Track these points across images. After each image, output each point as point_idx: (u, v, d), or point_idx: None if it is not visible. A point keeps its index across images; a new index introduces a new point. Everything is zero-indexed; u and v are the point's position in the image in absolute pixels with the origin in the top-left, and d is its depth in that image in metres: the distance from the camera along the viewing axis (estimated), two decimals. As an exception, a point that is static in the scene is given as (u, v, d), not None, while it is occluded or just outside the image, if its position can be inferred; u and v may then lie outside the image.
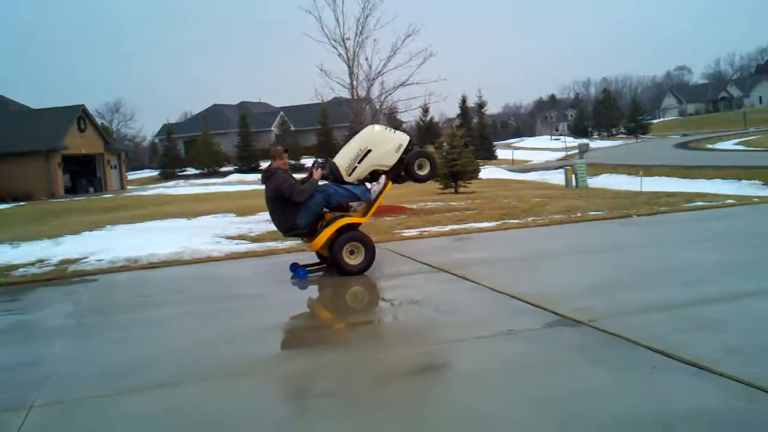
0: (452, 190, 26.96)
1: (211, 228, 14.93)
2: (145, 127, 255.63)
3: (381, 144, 8.79)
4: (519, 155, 67.75)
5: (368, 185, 9.01)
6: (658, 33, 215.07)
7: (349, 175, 8.68)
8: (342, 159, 8.77)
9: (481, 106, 75.92)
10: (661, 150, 54.35)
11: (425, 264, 9.06)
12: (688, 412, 3.72)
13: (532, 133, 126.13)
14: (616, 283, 7.12)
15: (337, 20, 17.30)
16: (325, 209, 8.75)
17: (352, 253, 8.58)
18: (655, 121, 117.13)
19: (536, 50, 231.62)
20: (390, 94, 18.31)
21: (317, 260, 9.33)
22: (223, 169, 66.34)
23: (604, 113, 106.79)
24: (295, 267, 8.97)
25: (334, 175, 8.74)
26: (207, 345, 5.90)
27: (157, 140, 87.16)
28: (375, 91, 18.25)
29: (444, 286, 7.73)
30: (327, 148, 66.69)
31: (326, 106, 39.71)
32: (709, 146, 58.01)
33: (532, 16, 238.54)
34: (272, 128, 74.72)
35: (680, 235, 10.59)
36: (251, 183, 46.08)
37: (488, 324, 5.83)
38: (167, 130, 72.73)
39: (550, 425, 3.72)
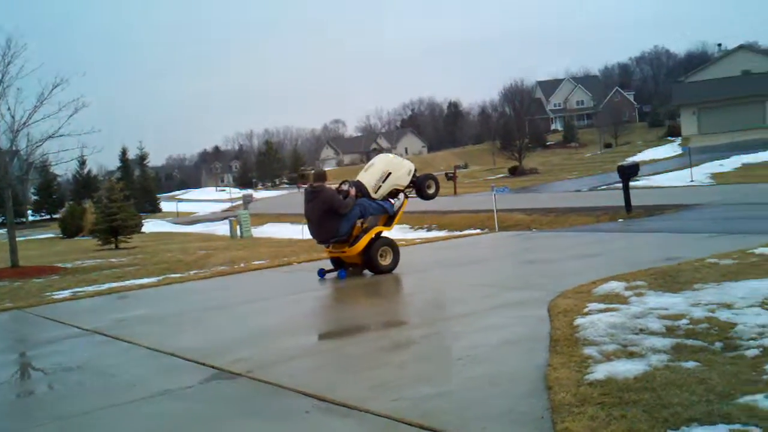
0: (112, 245, 25.64)
1: None
2: None
3: (398, 168, 10.86)
4: (184, 207, 66.64)
5: (391, 200, 10.90)
6: (316, 87, 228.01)
7: (375, 192, 10.54)
8: (367, 180, 10.62)
9: (143, 158, 74.16)
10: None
11: (77, 327, 8.48)
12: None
13: (197, 185, 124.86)
14: (271, 331, 7.30)
15: (-28, 67, 15.68)
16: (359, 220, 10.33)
17: (381, 255, 10.29)
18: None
19: (199, 101, 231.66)
20: (39, 146, 17.06)
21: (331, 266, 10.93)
22: None
23: (268, 164, 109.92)
24: (324, 272, 10.70)
25: (361, 192, 10.45)
26: None
27: None
28: (21, 143, 16.88)
29: (98, 349, 7.29)
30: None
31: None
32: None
33: (191, 70, 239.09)
34: None
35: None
36: None
37: (143, 385, 5.57)
38: None
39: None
